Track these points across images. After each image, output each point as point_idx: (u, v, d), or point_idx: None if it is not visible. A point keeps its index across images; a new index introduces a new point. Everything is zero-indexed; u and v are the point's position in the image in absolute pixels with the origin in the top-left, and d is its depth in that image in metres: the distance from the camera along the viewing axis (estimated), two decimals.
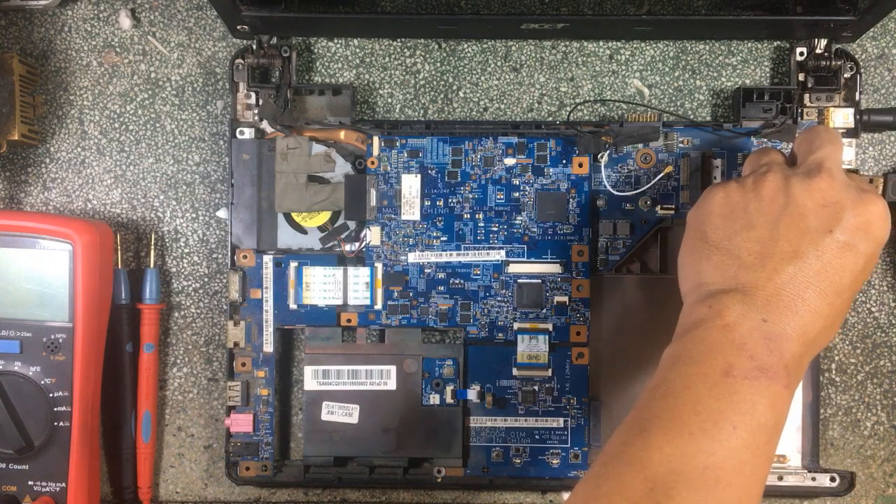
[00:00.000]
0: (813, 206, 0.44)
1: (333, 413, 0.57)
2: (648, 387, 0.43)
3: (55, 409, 0.54)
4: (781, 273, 0.43)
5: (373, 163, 0.57)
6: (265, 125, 0.57)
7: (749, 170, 0.48)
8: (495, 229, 0.57)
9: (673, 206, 0.57)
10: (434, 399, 0.57)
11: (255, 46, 0.57)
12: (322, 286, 0.57)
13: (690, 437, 0.39)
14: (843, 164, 0.56)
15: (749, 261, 0.44)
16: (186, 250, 0.60)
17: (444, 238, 0.57)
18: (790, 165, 0.47)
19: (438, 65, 0.59)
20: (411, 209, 0.57)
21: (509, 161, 0.57)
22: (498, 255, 0.57)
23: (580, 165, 0.56)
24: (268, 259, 0.57)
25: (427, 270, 0.57)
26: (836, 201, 0.44)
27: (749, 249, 0.44)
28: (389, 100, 0.59)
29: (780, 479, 0.56)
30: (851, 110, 0.56)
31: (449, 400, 0.57)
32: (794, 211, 0.44)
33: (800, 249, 0.43)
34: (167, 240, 0.60)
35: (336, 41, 0.59)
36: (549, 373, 0.57)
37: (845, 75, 0.57)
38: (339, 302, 0.57)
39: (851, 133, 0.57)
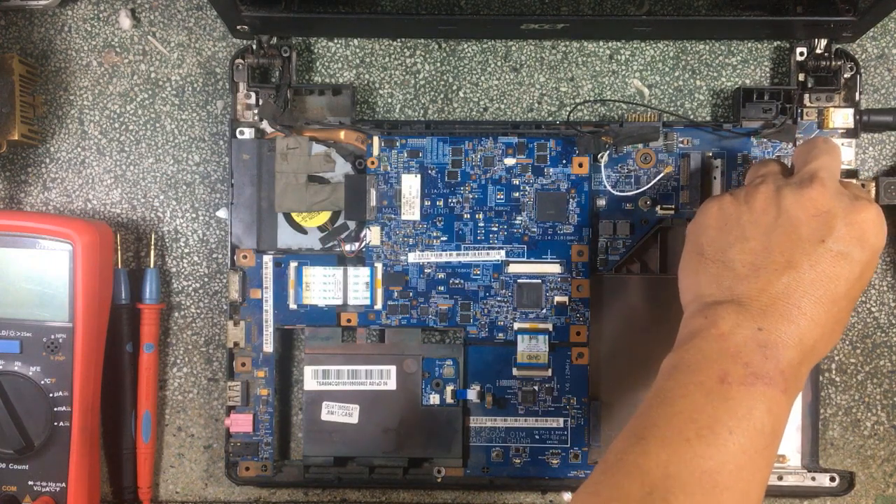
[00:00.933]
0: (804, 216, 0.44)
1: (333, 413, 0.57)
2: (647, 396, 0.43)
3: (55, 409, 0.54)
4: (776, 283, 0.43)
5: (373, 163, 0.57)
6: (265, 125, 0.57)
7: (748, 181, 0.49)
8: (495, 229, 0.57)
9: (673, 206, 0.57)
10: (434, 399, 0.57)
11: (255, 46, 0.57)
12: (322, 286, 0.57)
13: (687, 443, 0.40)
14: (843, 166, 0.56)
15: (743, 272, 0.44)
16: (186, 250, 0.60)
17: (444, 238, 0.57)
18: (787, 176, 0.47)
19: (438, 65, 0.59)
20: (411, 209, 0.57)
21: (509, 161, 0.57)
22: (498, 255, 0.57)
23: (580, 165, 0.56)
24: (268, 259, 0.57)
25: (427, 270, 0.57)
26: (828, 210, 0.44)
27: (743, 261, 0.45)
28: (389, 100, 0.59)
29: (780, 478, 0.56)
30: (851, 110, 0.56)
31: (449, 400, 0.57)
32: (786, 222, 0.44)
33: (793, 260, 0.43)
34: (167, 240, 0.60)
35: (336, 41, 0.59)
36: (549, 373, 0.57)
37: (845, 75, 0.57)
38: (339, 302, 0.57)
39: (851, 133, 0.57)
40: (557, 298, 0.57)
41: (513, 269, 0.57)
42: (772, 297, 0.43)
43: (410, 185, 0.57)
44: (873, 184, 0.56)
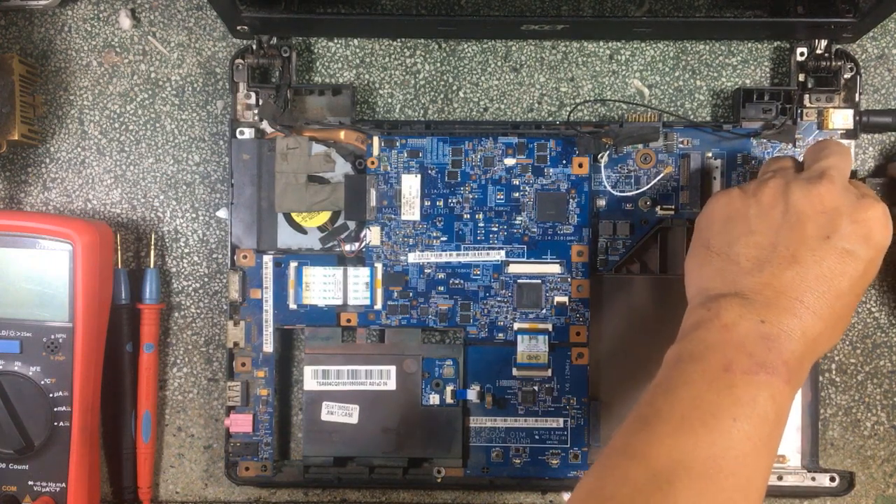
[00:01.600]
0: (811, 212, 0.44)
1: (333, 413, 0.57)
2: (650, 386, 0.44)
3: (55, 409, 0.54)
4: (780, 278, 0.44)
5: (373, 163, 0.57)
6: (265, 125, 0.57)
7: (760, 175, 0.49)
8: (495, 229, 0.57)
9: (673, 207, 0.57)
10: (434, 399, 0.57)
11: (255, 46, 0.57)
12: (322, 286, 0.57)
13: (691, 430, 0.40)
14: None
15: (748, 266, 0.45)
16: (186, 250, 0.60)
17: (443, 238, 0.57)
18: (798, 173, 0.48)
19: (438, 65, 0.59)
20: (411, 209, 0.57)
21: (509, 161, 0.57)
22: (498, 256, 0.57)
23: (580, 165, 0.56)
24: (268, 259, 0.57)
25: (427, 270, 0.57)
26: (835, 208, 0.44)
27: (748, 255, 0.45)
28: (389, 100, 0.59)
29: (780, 479, 0.56)
30: (851, 111, 0.56)
31: (449, 400, 0.57)
32: (793, 217, 0.45)
33: (798, 255, 0.44)
34: (167, 240, 0.60)
35: (336, 41, 0.59)
36: (549, 373, 0.57)
37: (845, 76, 0.57)
38: (339, 302, 0.57)
39: (851, 134, 0.57)
40: (557, 298, 0.57)
41: (513, 269, 0.57)
42: (775, 291, 0.43)
43: (410, 185, 0.57)
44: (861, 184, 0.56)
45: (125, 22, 0.59)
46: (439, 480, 0.57)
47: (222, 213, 0.59)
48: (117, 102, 0.59)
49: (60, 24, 0.59)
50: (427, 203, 0.57)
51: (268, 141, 0.57)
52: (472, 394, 0.56)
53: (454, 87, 0.59)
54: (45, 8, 0.58)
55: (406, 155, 0.57)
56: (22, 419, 0.53)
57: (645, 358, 0.56)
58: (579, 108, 0.59)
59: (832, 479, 0.57)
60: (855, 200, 0.45)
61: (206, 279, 0.60)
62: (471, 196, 0.57)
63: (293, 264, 0.57)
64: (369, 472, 0.57)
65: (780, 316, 0.43)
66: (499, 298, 0.57)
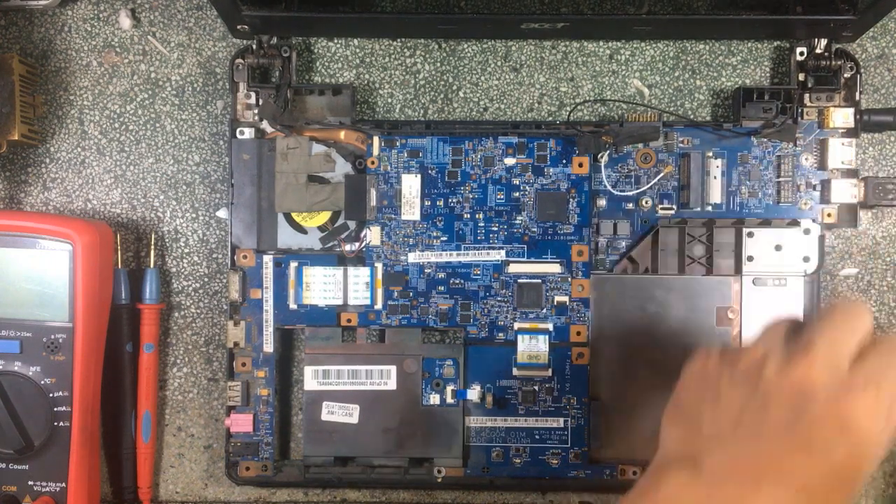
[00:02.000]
0: (779, 393, 0.40)
1: (333, 413, 0.57)
2: None
3: (55, 409, 0.54)
4: (738, 454, 0.40)
5: (373, 163, 0.57)
6: (265, 125, 0.57)
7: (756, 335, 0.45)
8: (495, 229, 0.57)
9: (673, 206, 0.57)
10: (434, 399, 0.57)
11: (255, 46, 0.57)
12: (322, 286, 0.57)
13: None
14: (843, 165, 0.56)
15: (708, 434, 0.41)
16: (186, 250, 0.60)
17: (444, 238, 0.57)
18: (792, 341, 0.42)
19: (438, 65, 0.59)
20: (411, 209, 0.57)
21: (509, 161, 0.57)
22: (498, 255, 0.57)
23: (580, 165, 0.56)
24: (268, 259, 0.57)
25: (427, 270, 0.57)
26: (806, 392, 0.39)
27: (711, 422, 0.41)
28: (389, 100, 0.59)
29: None
30: (851, 110, 0.56)
31: (449, 400, 0.57)
32: (761, 396, 0.40)
33: (760, 435, 0.40)
34: (167, 240, 0.60)
35: (336, 41, 0.59)
36: (549, 373, 0.57)
37: (845, 75, 0.57)
38: (339, 302, 0.57)
39: (851, 133, 0.57)
40: (557, 298, 0.57)
41: (513, 268, 0.57)
42: (730, 469, 0.39)
43: (410, 185, 0.57)
44: (862, 184, 0.56)
45: (125, 22, 0.59)
46: (439, 480, 0.57)
47: (222, 213, 0.59)
48: (117, 102, 0.60)
49: (60, 24, 0.59)
50: (427, 203, 0.57)
51: (268, 141, 0.57)
52: (472, 394, 0.56)
53: (454, 87, 0.59)
54: (45, 8, 0.58)
55: (406, 155, 0.57)
56: (22, 419, 0.53)
57: (645, 357, 0.56)
58: (579, 107, 0.59)
59: None
60: (836, 386, 0.39)
61: (206, 279, 0.60)
62: (471, 196, 0.57)
63: (293, 264, 0.57)
64: (370, 471, 0.57)
65: (729, 497, 0.39)
66: (499, 298, 0.57)
